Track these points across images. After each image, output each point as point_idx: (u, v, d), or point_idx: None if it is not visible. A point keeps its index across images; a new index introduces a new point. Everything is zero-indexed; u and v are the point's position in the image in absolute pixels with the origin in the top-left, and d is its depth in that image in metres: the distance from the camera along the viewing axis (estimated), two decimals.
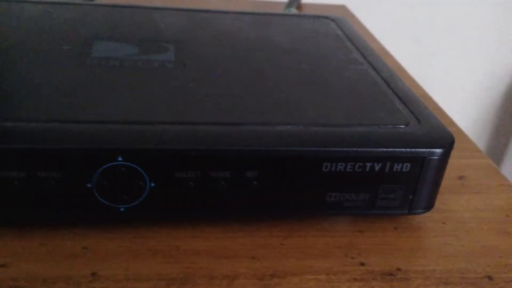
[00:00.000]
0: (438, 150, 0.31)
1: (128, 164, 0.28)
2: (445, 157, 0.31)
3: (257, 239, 0.31)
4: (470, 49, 1.04)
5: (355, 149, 0.30)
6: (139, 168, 0.28)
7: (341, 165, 0.30)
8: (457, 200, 0.37)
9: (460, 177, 0.40)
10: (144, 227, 0.31)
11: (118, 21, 0.45)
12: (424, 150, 0.30)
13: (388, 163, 0.30)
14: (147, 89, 0.33)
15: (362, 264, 0.30)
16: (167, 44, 0.41)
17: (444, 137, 0.32)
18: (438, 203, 0.34)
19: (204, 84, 0.35)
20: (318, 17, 0.51)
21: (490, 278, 0.30)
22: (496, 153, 1.17)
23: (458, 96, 1.09)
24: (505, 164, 1.17)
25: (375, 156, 0.30)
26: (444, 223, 0.34)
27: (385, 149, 0.30)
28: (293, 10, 0.67)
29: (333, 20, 0.51)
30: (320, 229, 0.33)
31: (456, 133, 0.45)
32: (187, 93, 0.33)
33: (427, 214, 0.34)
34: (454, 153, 0.42)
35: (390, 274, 0.30)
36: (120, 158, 0.28)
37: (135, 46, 0.40)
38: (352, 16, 0.74)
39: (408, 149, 0.30)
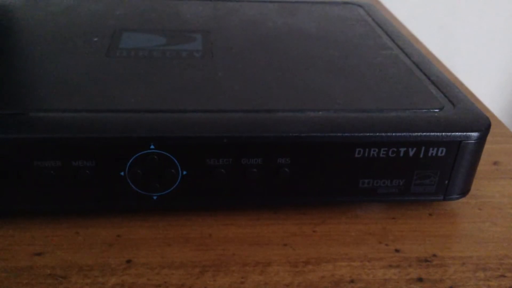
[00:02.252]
0: (474, 134, 0.30)
1: (160, 152, 0.28)
2: (481, 141, 0.30)
3: (289, 227, 0.31)
4: (498, 34, 1.02)
5: (388, 134, 0.29)
6: (171, 156, 0.28)
7: (374, 151, 0.29)
8: (492, 185, 0.36)
9: (495, 163, 0.39)
10: (177, 215, 0.31)
11: (145, 12, 0.45)
12: (459, 134, 0.30)
13: (423, 148, 0.30)
14: (177, 78, 0.33)
15: (397, 250, 0.30)
16: (194, 34, 0.41)
17: (480, 121, 0.31)
18: (473, 189, 0.34)
19: (233, 72, 0.35)
20: (345, 3, 0.50)
21: None
22: None
23: (486, 83, 1.07)
24: None
25: (409, 141, 0.29)
26: (480, 209, 0.34)
27: (419, 134, 0.29)
28: None
29: (360, 6, 0.50)
30: (352, 216, 0.32)
31: (489, 117, 0.44)
32: (216, 82, 0.33)
33: (463, 200, 0.33)
34: (488, 138, 0.41)
35: (426, 260, 0.29)
36: (152, 146, 0.28)
37: (163, 37, 0.40)
38: (377, 2, 0.73)
39: (443, 133, 0.29)
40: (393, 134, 0.29)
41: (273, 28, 0.43)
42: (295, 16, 0.46)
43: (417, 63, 0.37)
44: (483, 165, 0.38)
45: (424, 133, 0.29)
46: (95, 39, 0.38)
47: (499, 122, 0.44)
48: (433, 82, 0.35)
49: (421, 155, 0.30)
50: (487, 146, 0.40)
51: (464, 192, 0.32)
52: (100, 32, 0.40)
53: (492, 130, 0.33)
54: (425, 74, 0.36)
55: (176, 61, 0.36)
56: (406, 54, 0.39)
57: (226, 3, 0.49)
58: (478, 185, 0.36)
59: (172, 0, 0.48)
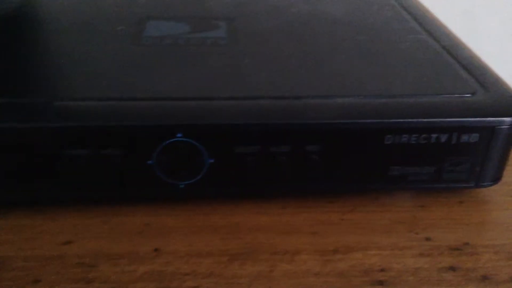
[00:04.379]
0: (508, 119, 0.29)
1: (187, 140, 0.28)
2: None
3: (317, 215, 0.31)
4: None
5: (419, 119, 0.28)
6: (197, 144, 0.28)
7: (405, 137, 0.29)
8: None
9: None
10: (204, 204, 0.31)
11: (169, 0, 0.45)
12: (493, 119, 0.29)
13: (455, 134, 0.29)
14: (202, 66, 0.33)
15: (428, 239, 0.29)
16: (218, 21, 0.40)
17: None
18: (505, 176, 0.33)
19: (259, 59, 0.34)
20: None
21: None
22: None
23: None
24: None
25: (441, 127, 0.29)
26: None
27: (451, 119, 0.29)
28: None
29: None
30: (381, 204, 0.32)
31: None
32: (242, 69, 0.33)
33: (495, 187, 0.32)
34: None
35: (458, 249, 0.28)
36: (179, 135, 0.27)
37: (187, 25, 0.39)
38: None
39: (476, 119, 0.29)
40: (424, 120, 0.29)
41: (297, 14, 0.42)
42: (321, 1, 0.46)
43: (447, 47, 0.36)
44: None
45: (457, 119, 0.29)
46: (120, 27, 0.38)
47: None
48: (463, 66, 0.34)
49: (453, 142, 0.29)
50: None
51: (496, 179, 0.32)
52: (125, 20, 0.40)
53: None
54: (455, 58, 0.35)
55: (201, 49, 0.35)
56: (435, 38, 0.38)
57: None
58: (511, 171, 0.35)
59: None
